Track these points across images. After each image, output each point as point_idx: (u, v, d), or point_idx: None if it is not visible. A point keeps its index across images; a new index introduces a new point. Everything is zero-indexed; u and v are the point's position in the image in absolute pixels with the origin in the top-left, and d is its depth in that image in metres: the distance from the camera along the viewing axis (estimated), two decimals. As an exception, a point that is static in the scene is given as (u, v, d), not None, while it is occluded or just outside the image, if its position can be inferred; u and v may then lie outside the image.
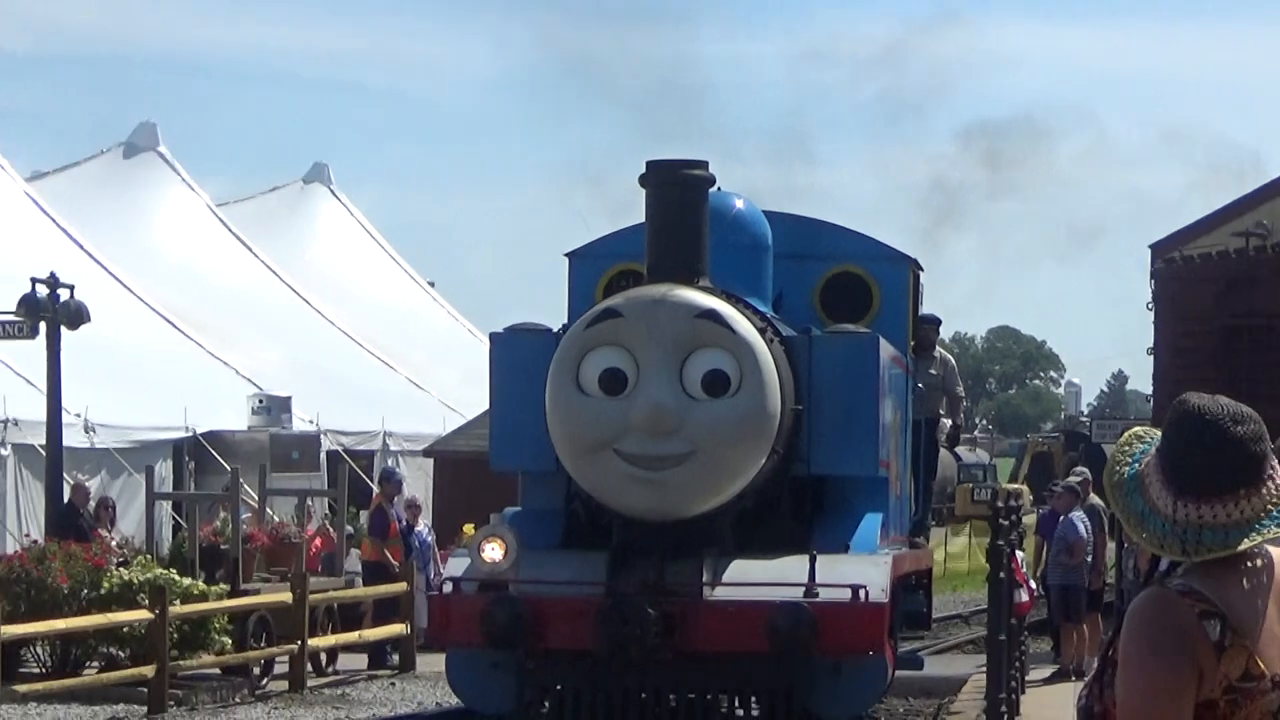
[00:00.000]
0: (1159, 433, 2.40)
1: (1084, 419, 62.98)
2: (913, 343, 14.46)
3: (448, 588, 11.90)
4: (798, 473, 12.10)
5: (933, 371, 15.41)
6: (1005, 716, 12.77)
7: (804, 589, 10.90)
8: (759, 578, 11.21)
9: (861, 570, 11.21)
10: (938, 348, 16.19)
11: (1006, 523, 13.16)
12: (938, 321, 16.11)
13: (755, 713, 11.86)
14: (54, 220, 25.40)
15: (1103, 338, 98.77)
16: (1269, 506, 2.20)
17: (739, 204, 12.54)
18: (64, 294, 18.20)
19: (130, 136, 31.55)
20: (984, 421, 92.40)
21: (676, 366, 11.25)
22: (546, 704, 11.68)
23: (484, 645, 11.21)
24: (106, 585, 15.56)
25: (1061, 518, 17.67)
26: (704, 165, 11.78)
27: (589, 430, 11.40)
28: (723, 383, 11.20)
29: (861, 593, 10.88)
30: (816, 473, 12.14)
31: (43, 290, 17.76)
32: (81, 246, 25.04)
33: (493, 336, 13.49)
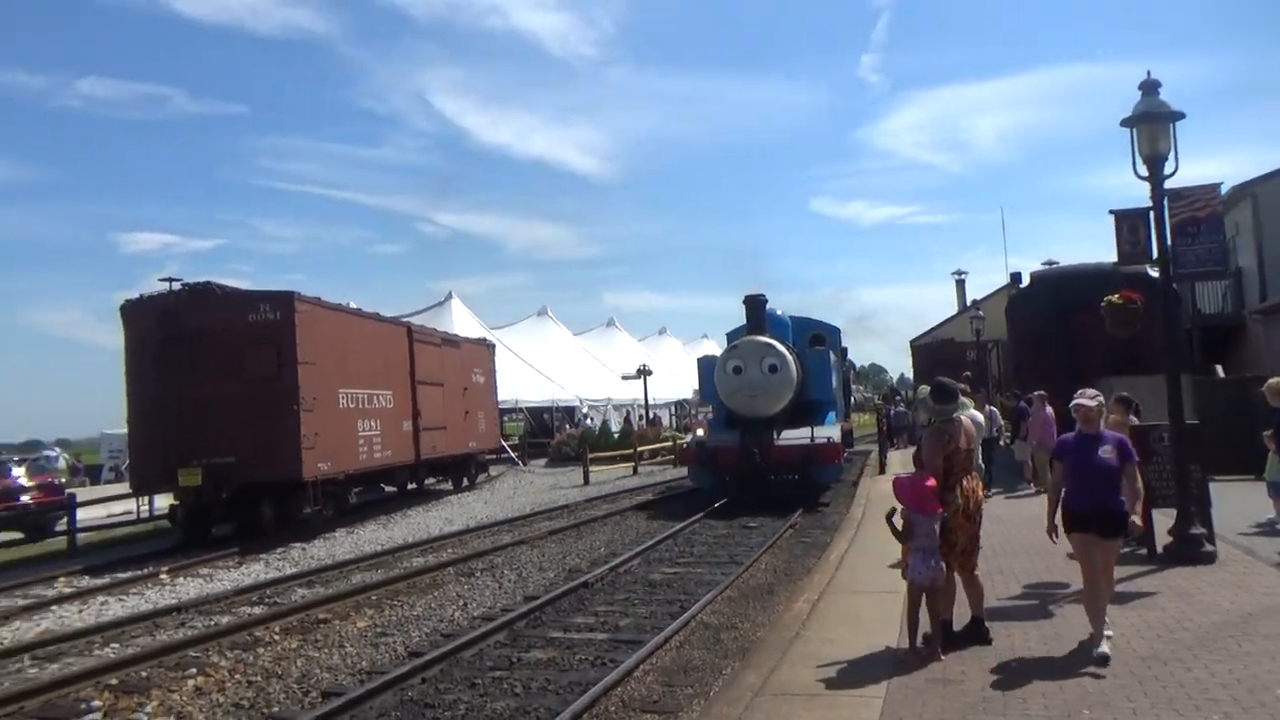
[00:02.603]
0: (928, 387, 6.92)
1: (896, 388, 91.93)
2: (841, 354, 23.72)
3: (685, 444, 22.39)
4: (805, 399, 18.96)
5: (846, 364, 26.46)
6: (883, 460, 23.12)
7: (810, 438, 17.45)
8: (795, 437, 17.68)
9: (830, 432, 18.09)
10: (849, 356, 27.77)
11: (882, 410, 26.61)
12: (846, 349, 26.10)
13: (796, 479, 17.86)
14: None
15: (901, 364, 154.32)
16: (958, 407, 6.54)
17: (779, 311, 20.23)
18: (647, 367, 38.99)
19: (606, 321, 57.01)
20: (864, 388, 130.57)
21: (759, 364, 18.24)
22: (724, 484, 17.83)
23: (697, 464, 18.45)
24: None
25: (894, 410, 32.03)
26: (764, 295, 19.38)
27: (730, 387, 18.46)
28: (775, 369, 18.19)
29: (830, 439, 17.70)
30: (811, 399, 19.12)
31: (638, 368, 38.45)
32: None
33: (698, 359, 23.48)
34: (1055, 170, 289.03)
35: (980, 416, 10.51)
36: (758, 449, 17.48)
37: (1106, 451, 6.21)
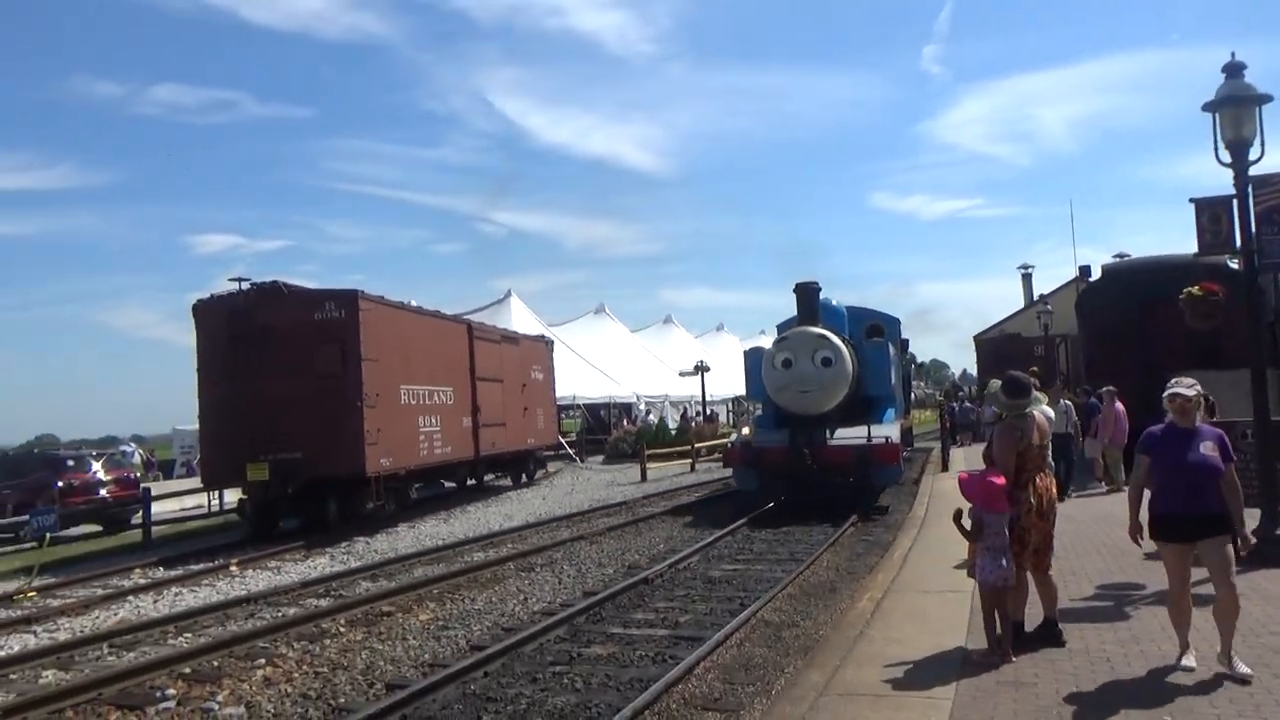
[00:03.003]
0: (999, 381, 6.33)
1: (958, 381, 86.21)
2: (902, 347, 22.12)
3: (729, 444, 18.96)
4: (861, 394, 17.16)
5: (907, 357, 24.77)
6: (945, 457, 22.89)
7: (866, 438, 15.63)
8: (850, 436, 15.91)
9: (889, 430, 16.28)
10: (909, 349, 25.58)
11: (945, 406, 26.19)
12: (908, 340, 23.97)
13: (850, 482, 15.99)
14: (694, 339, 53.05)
15: (963, 360, 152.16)
16: (1030, 402, 6.08)
17: (833, 300, 18.23)
18: (705, 363, 36.96)
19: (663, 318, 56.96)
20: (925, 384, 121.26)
21: (811, 357, 16.37)
22: (772, 486, 16.35)
23: (742, 464, 16.65)
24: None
25: (957, 406, 31.83)
26: (817, 282, 17.22)
27: (780, 382, 16.57)
28: (829, 363, 16.35)
29: (889, 439, 15.86)
30: (868, 394, 17.34)
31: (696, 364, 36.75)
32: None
33: (745, 352, 19.46)
34: (1125, 160, 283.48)
35: (1051, 412, 10.16)
36: (808, 449, 15.82)
37: (1208, 448, 5.48)
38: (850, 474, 15.77)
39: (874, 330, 19.42)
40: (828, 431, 16.20)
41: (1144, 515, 5.86)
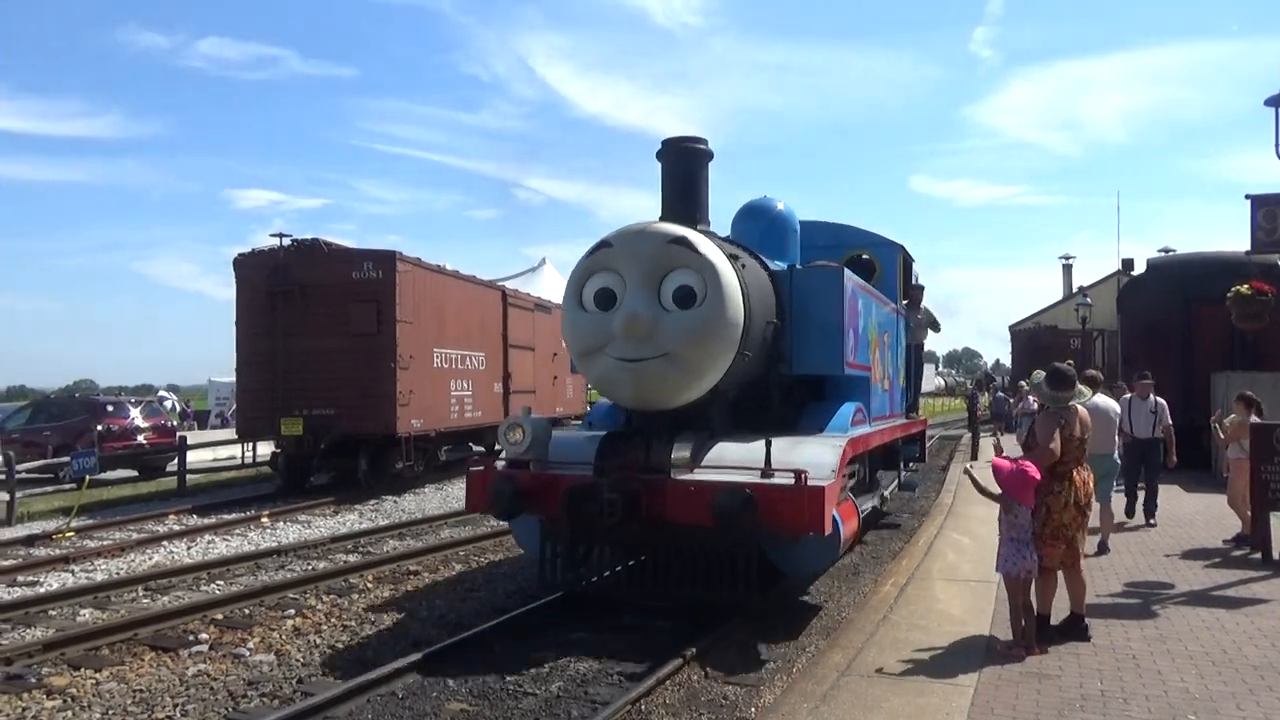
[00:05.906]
0: (1043, 373, 6.23)
1: (991, 370, 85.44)
2: (905, 301, 12.73)
3: (477, 466, 8.38)
4: (783, 373, 8.63)
5: (919, 316, 13.69)
6: (974, 446, 22.09)
7: (761, 469, 7.00)
8: (732, 460, 7.34)
9: (815, 453, 7.30)
10: (923, 305, 13.99)
11: (970, 395, 24.78)
12: (922, 287, 13.95)
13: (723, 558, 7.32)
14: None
15: (997, 350, 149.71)
16: (1074, 395, 6.03)
17: (779, 205, 9.77)
18: None
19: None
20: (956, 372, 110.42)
21: (654, 285, 7.58)
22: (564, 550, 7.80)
23: (490, 513, 7.99)
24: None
25: (990, 397, 30.08)
26: (703, 140, 8.59)
27: (587, 338, 7.88)
28: (690, 297, 7.50)
29: (803, 476, 6.80)
30: (798, 372, 8.71)
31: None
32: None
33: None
34: (1175, 153, 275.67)
35: (1115, 405, 9.77)
36: (624, 488, 7.23)
37: None
38: (702, 547, 7.29)
39: (854, 263, 11.37)
40: (680, 449, 7.56)
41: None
